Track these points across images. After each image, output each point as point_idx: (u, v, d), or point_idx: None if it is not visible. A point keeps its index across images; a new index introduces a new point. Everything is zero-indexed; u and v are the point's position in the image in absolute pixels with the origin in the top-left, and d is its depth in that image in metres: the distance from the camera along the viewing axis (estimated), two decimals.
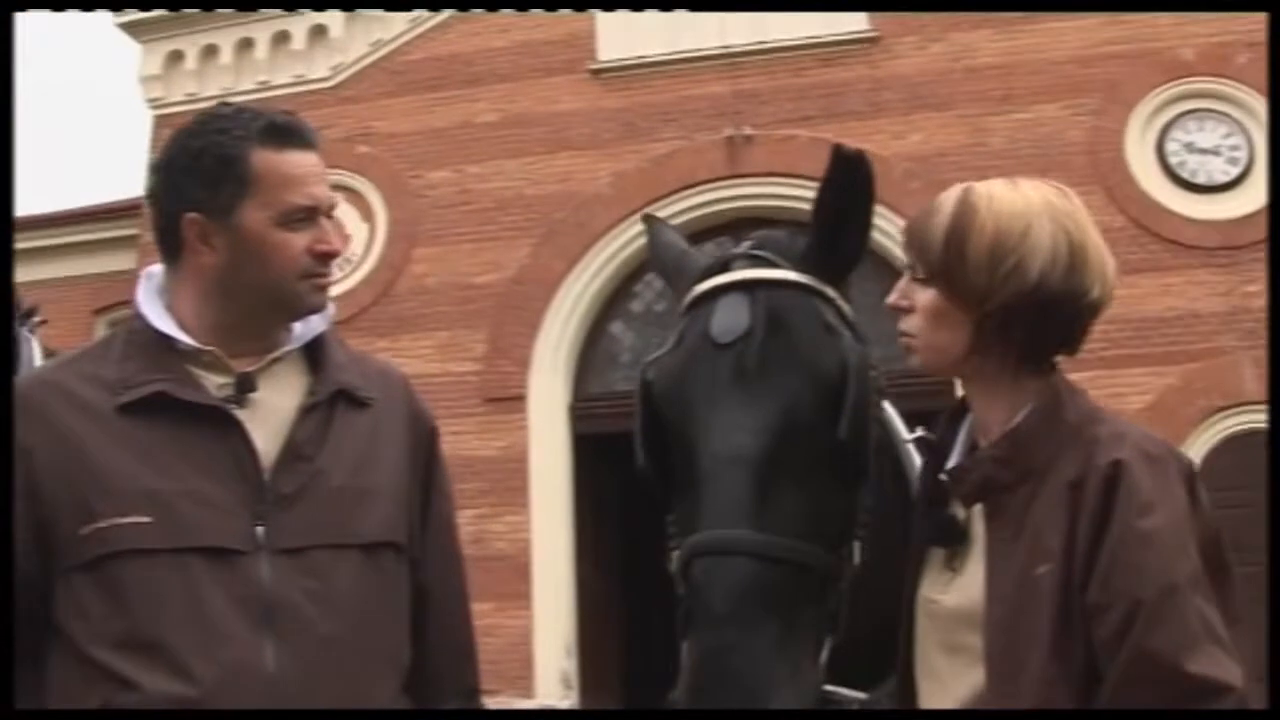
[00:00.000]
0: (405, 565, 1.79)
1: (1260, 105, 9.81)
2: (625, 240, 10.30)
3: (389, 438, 1.80)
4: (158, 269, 1.79)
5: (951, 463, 1.68)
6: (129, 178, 28.09)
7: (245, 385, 1.69)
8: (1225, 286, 9.41)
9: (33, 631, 1.62)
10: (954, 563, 1.63)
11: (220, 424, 1.66)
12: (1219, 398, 9.17)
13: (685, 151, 10.50)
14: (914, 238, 1.65)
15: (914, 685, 1.68)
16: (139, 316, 1.75)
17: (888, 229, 9.72)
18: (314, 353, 1.79)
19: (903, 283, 1.68)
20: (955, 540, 1.63)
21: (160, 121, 11.59)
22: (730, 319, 1.72)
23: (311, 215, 1.71)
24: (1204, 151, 9.96)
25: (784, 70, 10.56)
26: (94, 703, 1.55)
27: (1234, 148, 9.91)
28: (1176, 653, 1.40)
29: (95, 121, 44.30)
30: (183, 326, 1.72)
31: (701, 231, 10.51)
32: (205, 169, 1.67)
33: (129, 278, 11.55)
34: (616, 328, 10.64)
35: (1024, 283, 1.56)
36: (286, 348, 1.76)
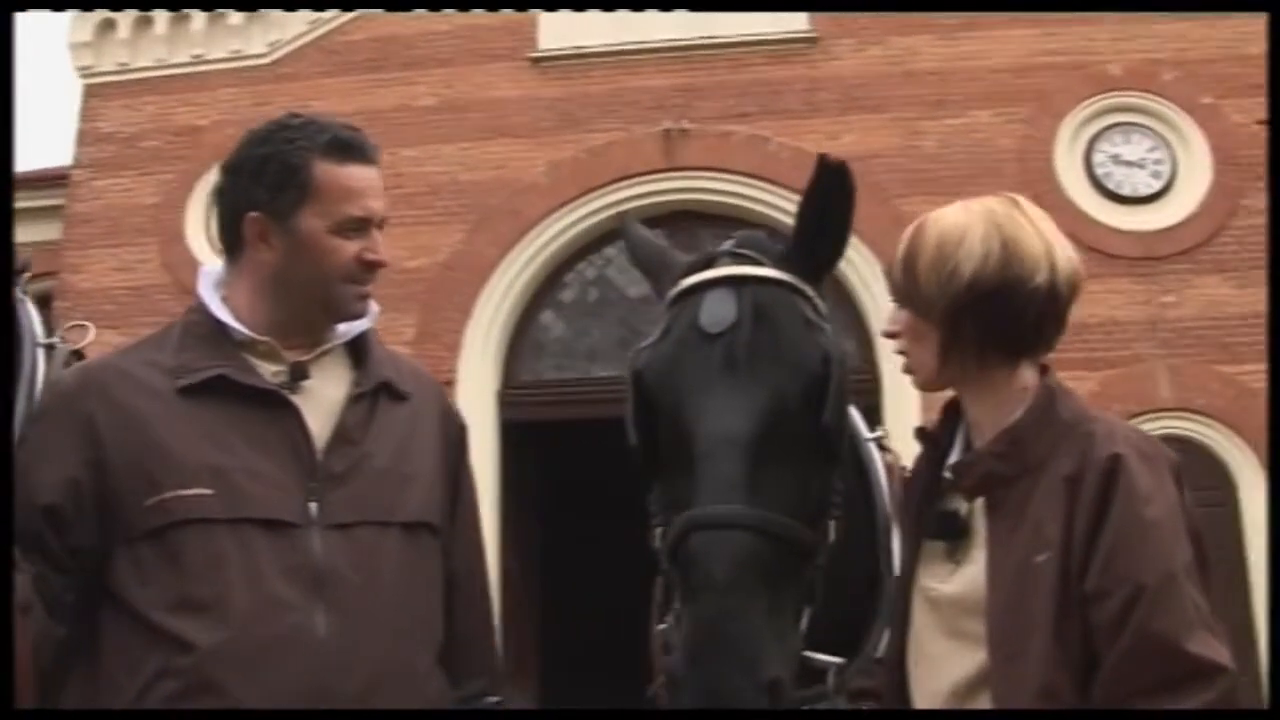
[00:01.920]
0: (439, 546, 1.91)
1: (1183, 121, 10.10)
2: (559, 229, 10.32)
3: (424, 430, 1.94)
4: (213, 267, 1.93)
5: (952, 459, 1.80)
6: (55, 147, 27.54)
7: (298, 373, 1.83)
8: (1145, 296, 9.63)
9: (89, 598, 1.72)
10: (956, 555, 1.73)
11: (276, 407, 1.80)
12: (1134, 404, 9.38)
13: (622, 143, 10.52)
14: (888, 269, 1.82)
15: (904, 670, 1.77)
16: (198, 308, 1.87)
17: None
18: (356, 349, 1.93)
19: (892, 310, 1.84)
20: (957, 534, 1.73)
21: (90, 91, 11.40)
22: (718, 311, 1.83)
23: (363, 226, 1.85)
24: (1129, 164, 10.19)
25: (723, 66, 10.62)
26: (153, 665, 1.64)
27: (1158, 161, 10.15)
28: (1177, 634, 1.50)
29: (22, 88, 43.35)
30: (238, 318, 1.84)
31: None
32: (270, 174, 1.81)
33: (55, 248, 11.37)
34: (547, 316, 10.65)
35: (960, 283, 1.69)
36: (335, 341, 1.90)
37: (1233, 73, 10.22)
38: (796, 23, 10.61)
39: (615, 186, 10.43)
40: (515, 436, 10.22)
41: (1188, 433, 9.18)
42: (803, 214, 1.97)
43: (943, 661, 1.70)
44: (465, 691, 1.91)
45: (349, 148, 1.86)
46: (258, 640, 1.65)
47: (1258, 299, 9.87)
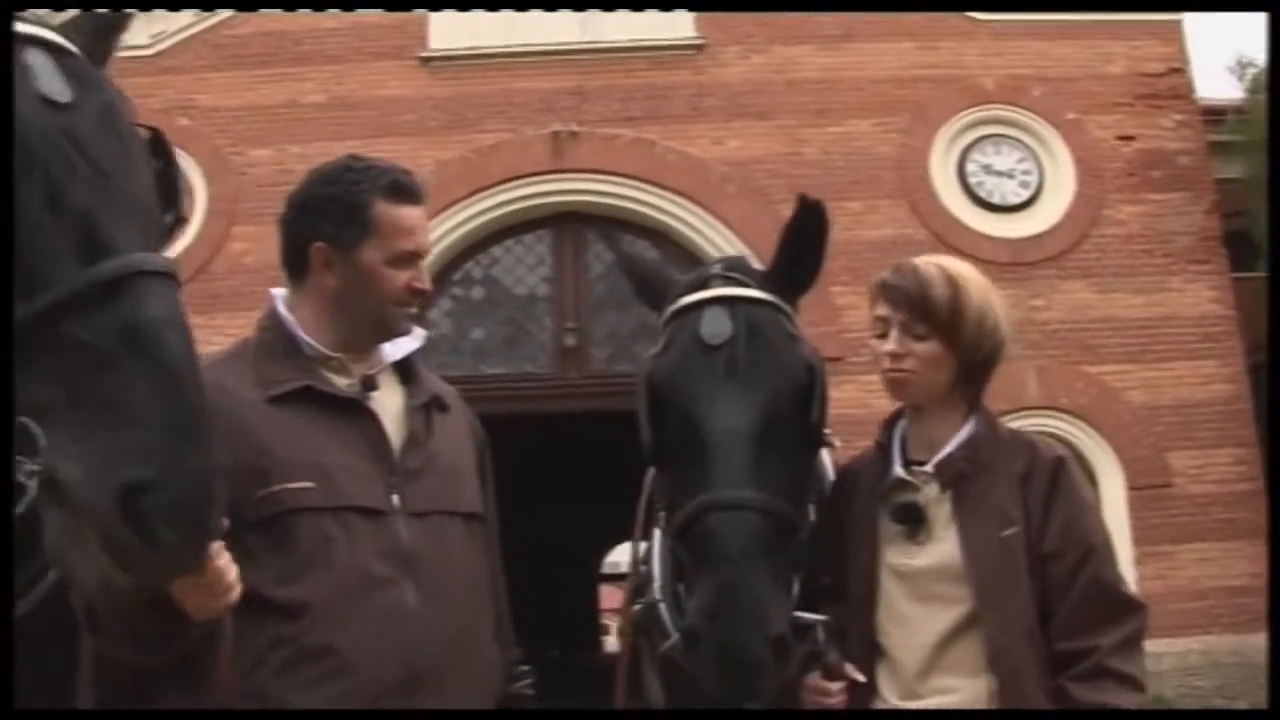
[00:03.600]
0: (484, 534, 2.18)
1: (1049, 134, 10.59)
2: (447, 229, 10.35)
3: (463, 436, 2.24)
4: (281, 291, 2.16)
5: (896, 463, 2.23)
6: None
7: (369, 385, 2.09)
8: (1013, 300, 9.85)
9: None
10: (919, 537, 2.15)
11: (357, 413, 2.06)
12: (1004, 402, 9.65)
13: (510, 144, 10.62)
14: (916, 304, 2.17)
15: (874, 632, 2.17)
16: (271, 326, 2.11)
17: (701, 227, 10.10)
18: (403, 367, 2.20)
19: (896, 336, 2.19)
20: (918, 520, 2.15)
21: None
22: (717, 326, 2.17)
23: (413, 259, 2.13)
24: (1000, 174, 10.64)
25: (612, 70, 10.79)
26: (265, 636, 1.85)
27: (1026, 172, 10.62)
28: (1116, 581, 2.10)
29: None
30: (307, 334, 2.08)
31: (523, 224, 10.68)
32: (336, 211, 2.06)
33: None
34: (434, 315, 10.69)
35: (1000, 338, 2.20)
36: (392, 359, 2.16)
37: (1094, 90, 10.73)
38: (684, 29, 10.83)
39: (503, 187, 10.52)
40: None
41: (1053, 429, 9.59)
42: (784, 245, 2.30)
43: (920, 620, 2.12)
44: (507, 658, 2.19)
45: (405, 190, 2.12)
46: (362, 609, 1.90)
47: (1118, 303, 10.38)
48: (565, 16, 10.61)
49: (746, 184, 10.30)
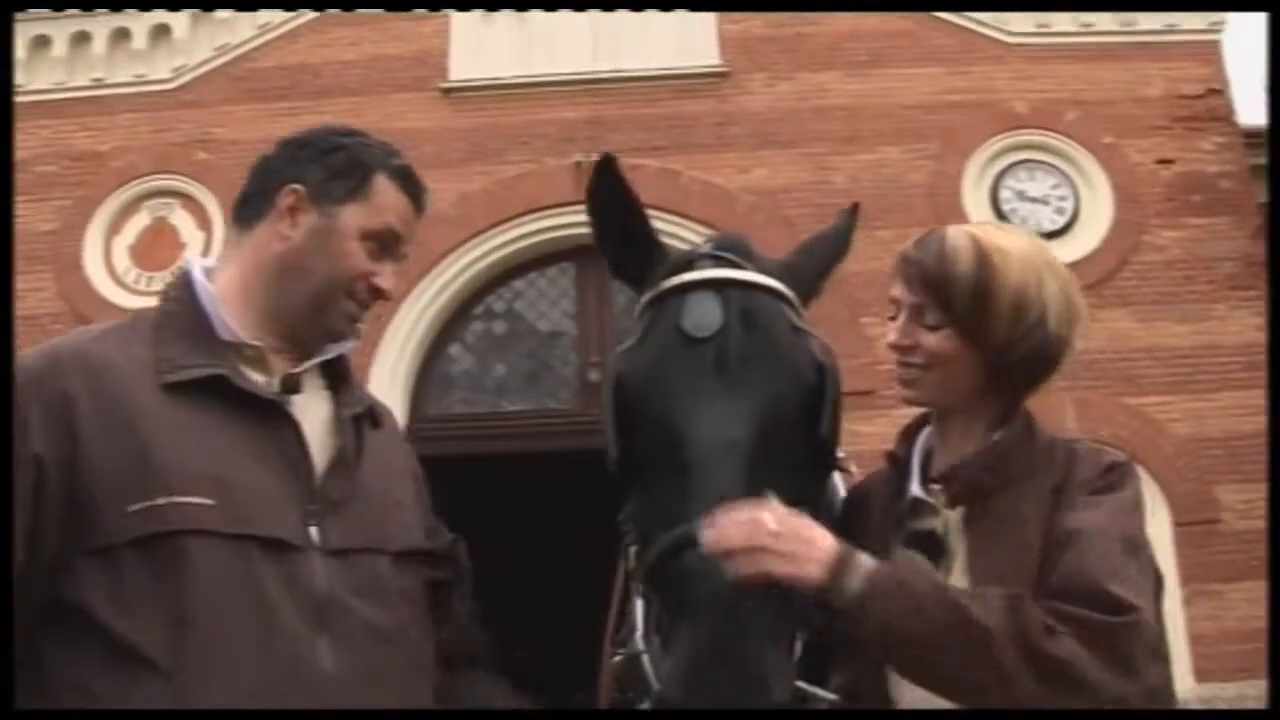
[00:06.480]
0: (424, 570, 1.83)
1: (1085, 159, 10.34)
2: (467, 262, 10.21)
3: (395, 454, 1.92)
4: (201, 260, 1.80)
5: (914, 481, 1.77)
6: None
7: (290, 386, 1.70)
8: None
9: (29, 613, 1.53)
10: (939, 570, 1.69)
11: (274, 420, 1.67)
12: None
13: (533, 175, 10.46)
14: (931, 284, 1.74)
15: (888, 691, 1.68)
16: (180, 299, 1.72)
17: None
18: (331, 369, 1.81)
19: (903, 322, 1.78)
20: (938, 552, 1.70)
21: None
22: (703, 315, 1.72)
23: (390, 248, 1.80)
24: (1034, 200, 10.40)
25: (635, 100, 10.64)
26: (139, 697, 1.46)
27: (1061, 198, 10.38)
28: (1100, 577, 1.57)
29: None
30: (224, 307, 1.71)
31: (545, 256, 10.50)
32: (336, 161, 1.76)
33: None
34: (455, 350, 10.53)
35: (1045, 335, 1.75)
36: (321, 357, 1.78)
37: (1131, 114, 10.48)
38: (708, 57, 10.67)
39: (525, 219, 10.35)
40: (426, 471, 10.03)
41: None
42: (811, 249, 1.98)
43: None
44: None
45: (413, 181, 1.85)
46: (261, 670, 1.52)
47: (1159, 333, 10.09)
48: (584, 45, 10.47)
49: (774, 213, 10.08)
